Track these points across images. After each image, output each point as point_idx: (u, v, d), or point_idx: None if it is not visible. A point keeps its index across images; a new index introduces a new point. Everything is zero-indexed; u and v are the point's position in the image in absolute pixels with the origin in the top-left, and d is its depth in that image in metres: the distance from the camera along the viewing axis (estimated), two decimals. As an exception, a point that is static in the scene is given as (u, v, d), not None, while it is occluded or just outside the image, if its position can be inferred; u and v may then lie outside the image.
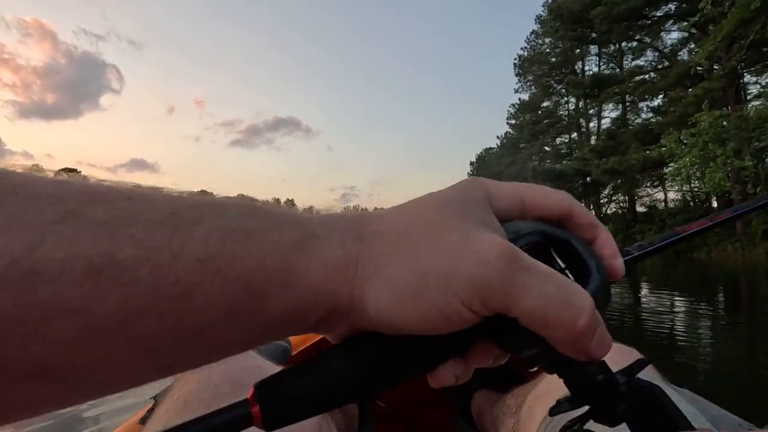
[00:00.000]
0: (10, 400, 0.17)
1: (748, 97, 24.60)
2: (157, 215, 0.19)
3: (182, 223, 0.19)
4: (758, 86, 25.55)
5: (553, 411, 0.25)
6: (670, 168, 23.26)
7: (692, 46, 29.66)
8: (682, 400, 0.54)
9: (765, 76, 25.27)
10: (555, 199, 0.25)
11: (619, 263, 0.25)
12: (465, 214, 0.22)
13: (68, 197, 0.17)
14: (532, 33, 45.18)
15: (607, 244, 0.25)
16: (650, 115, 33.22)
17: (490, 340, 0.23)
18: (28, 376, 0.16)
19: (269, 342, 0.22)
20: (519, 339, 0.22)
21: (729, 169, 17.63)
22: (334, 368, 0.22)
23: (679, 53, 30.59)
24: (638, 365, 0.25)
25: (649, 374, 0.60)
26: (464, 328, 0.21)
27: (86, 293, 0.16)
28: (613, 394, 0.23)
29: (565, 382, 0.24)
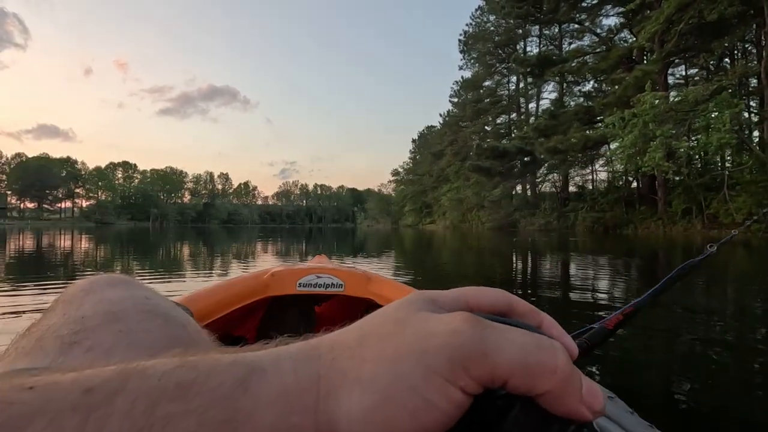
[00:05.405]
0: None
1: (669, 86, 26.25)
2: (67, 400, 0.17)
3: (99, 400, 0.17)
4: (673, 77, 27.50)
5: None
6: (611, 147, 24.19)
7: (624, 33, 30.97)
8: None
9: (680, 68, 27.11)
10: (494, 295, 0.25)
11: (569, 340, 0.24)
12: (423, 308, 0.23)
13: None
14: (477, 9, 45.16)
15: (554, 325, 0.25)
16: (582, 99, 34.58)
17: None
18: None
19: None
20: (516, 416, 0.20)
21: (667, 149, 18.48)
22: None
23: (614, 38, 31.86)
24: None
25: None
26: (455, 417, 0.19)
27: None
28: None
29: None
